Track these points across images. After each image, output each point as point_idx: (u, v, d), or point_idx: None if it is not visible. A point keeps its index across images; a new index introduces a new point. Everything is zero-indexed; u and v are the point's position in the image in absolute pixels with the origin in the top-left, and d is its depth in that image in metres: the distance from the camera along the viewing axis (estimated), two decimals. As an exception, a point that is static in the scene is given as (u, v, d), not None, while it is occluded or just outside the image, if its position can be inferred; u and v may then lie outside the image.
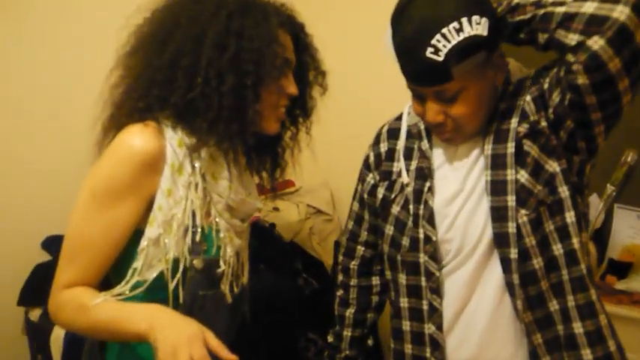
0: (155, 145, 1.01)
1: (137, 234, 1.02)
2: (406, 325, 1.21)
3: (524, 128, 1.08)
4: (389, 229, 1.22)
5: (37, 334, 1.93)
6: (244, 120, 1.04)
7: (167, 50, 1.03)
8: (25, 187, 2.07)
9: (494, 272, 1.10)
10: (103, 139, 1.09)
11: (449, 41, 1.00)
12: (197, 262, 1.04)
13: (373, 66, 2.26)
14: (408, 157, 1.22)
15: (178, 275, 1.02)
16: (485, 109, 1.10)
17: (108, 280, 1.05)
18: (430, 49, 1.01)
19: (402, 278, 1.20)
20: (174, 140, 1.03)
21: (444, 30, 1.00)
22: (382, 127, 1.32)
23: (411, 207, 1.18)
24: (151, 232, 1.01)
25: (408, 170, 1.20)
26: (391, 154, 1.26)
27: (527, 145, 1.08)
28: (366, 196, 1.31)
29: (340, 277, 1.40)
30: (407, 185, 1.19)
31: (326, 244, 2.29)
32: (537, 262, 1.07)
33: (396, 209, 1.21)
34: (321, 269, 2.21)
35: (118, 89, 1.09)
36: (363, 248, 1.36)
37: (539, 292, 1.08)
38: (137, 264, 1.02)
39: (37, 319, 1.93)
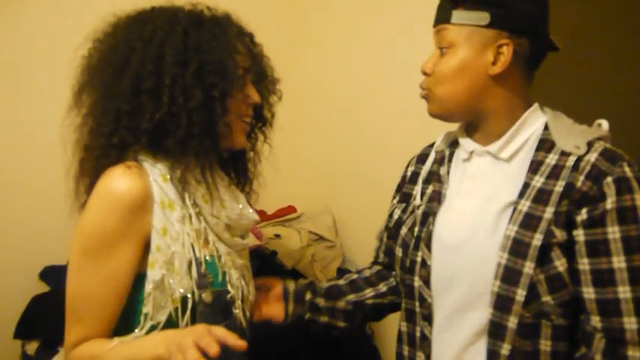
0: (140, 185, 0.98)
1: (137, 278, 0.99)
2: (405, 351, 1.19)
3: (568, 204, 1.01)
4: (398, 251, 1.21)
5: (34, 368, 1.89)
6: (216, 134, 1.02)
7: (126, 77, 1.00)
8: (23, 217, 2.04)
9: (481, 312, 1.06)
10: (79, 184, 1.06)
11: None
12: (206, 296, 1.01)
13: (376, 95, 2.28)
14: (427, 181, 1.20)
15: (187, 313, 1.00)
16: (465, 90, 1.07)
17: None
18: None
19: (403, 301, 1.19)
20: (158, 176, 1.01)
21: None
22: (416, 153, 1.32)
23: (416, 229, 1.16)
24: (153, 274, 0.98)
25: (423, 194, 1.19)
26: (415, 178, 1.25)
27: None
28: (387, 217, 1.30)
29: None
30: (418, 207, 1.18)
31: (328, 271, 2.26)
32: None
33: (404, 230, 1.20)
34: (324, 297, 2.17)
35: (84, 129, 1.06)
36: (383, 271, 1.35)
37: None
38: (147, 309, 0.99)
39: (34, 353, 1.88)
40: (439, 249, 1.12)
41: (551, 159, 1.04)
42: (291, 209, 2.49)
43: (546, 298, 1.00)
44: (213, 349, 0.86)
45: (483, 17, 1.03)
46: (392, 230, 1.25)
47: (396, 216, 1.25)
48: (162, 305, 0.99)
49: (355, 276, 1.34)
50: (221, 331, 0.90)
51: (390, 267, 1.32)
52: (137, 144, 1.01)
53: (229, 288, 1.05)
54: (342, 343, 2.08)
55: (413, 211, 1.20)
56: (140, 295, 1.00)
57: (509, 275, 1.01)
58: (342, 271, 2.26)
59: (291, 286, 1.25)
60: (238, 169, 1.20)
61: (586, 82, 2.27)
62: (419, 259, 1.14)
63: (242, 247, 1.13)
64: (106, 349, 0.96)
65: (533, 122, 1.09)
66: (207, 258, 1.03)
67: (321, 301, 1.26)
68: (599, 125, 1.07)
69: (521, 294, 1.00)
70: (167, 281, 0.99)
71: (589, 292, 0.98)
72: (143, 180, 0.98)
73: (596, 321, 0.98)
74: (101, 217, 0.96)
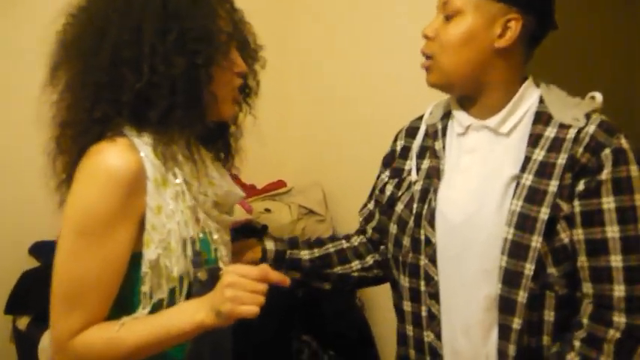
0: (133, 160, 0.94)
1: (132, 256, 0.97)
2: (410, 331, 1.17)
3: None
4: (392, 228, 1.19)
5: (25, 343, 1.89)
6: (201, 103, 0.98)
7: (105, 49, 0.96)
8: (11, 192, 2.02)
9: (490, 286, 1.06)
10: (56, 162, 1.02)
11: None
12: (201, 274, 1.00)
13: (365, 68, 2.26)
14: (421, 156, 1.19)
15: (184, 291, 0.99)
16: (470, 60, 1.06)
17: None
18: None
19: (405, 280, 1.16)
20: (149, 151, 0.97)
21: None
22: (404, 126, 1.30)
23: (414, 206, 1.14)
24: (149, 254, 0.96)
25: (418, 169, 1.18)
26: (406, 152, 1.23)
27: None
28: (377, 192, 1.28)
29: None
30: (414, 184, 1.16)
31: (319, 245, 2.26)
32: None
33: (400, 207, 1.18)
34: (315, 270, 2.18)
35: (61, 104, 1.01)
36: (368, 245, 1.32)
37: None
38: (145, 288, 0.97)
39: (25, 328, 1.88)
40: (443, 226, 1.10)
41: (550, 132, 1.05)
42: (280, 184, 2.48)
43: (551, 270, 1.01)
44: (262, 295, 0.91)
45: None
46: (385, 206, 1.23)
47: (388, 192, 1.23)
48: (160, 283, 0.98)
49: (344, 245, 1.32)
50: (258, 271, 0.92)
51: (378, 243, 1.31)
52: (119, 117, 0.96)
53: (221, 264, 1.04)
54: (331, 316, 2.10)
55: (409, 187, 1.18)
56: (136, 274, 0.97)
57: (516, 250, 1.02)
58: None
59: (270, 257, 1.22)
60: (220, 145, 1.15)
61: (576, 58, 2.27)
62: (422, 237, 1.12)
63: (228, 222, 1.12)
64: (119, 326, 0.94)
65: (530, 96, 1.09)
66: (201, 235, 1.02)
67: (304, 271, 1.25)
68: (593, 98, 1.08)
69: (529, 268, 1.01)
70: (163, 261, 0.97)
71: (582, 261, 1.01)
72: (135, 155, 0.95)
73: (588, 287, 1.01)
74: (98, 196, 0.93)
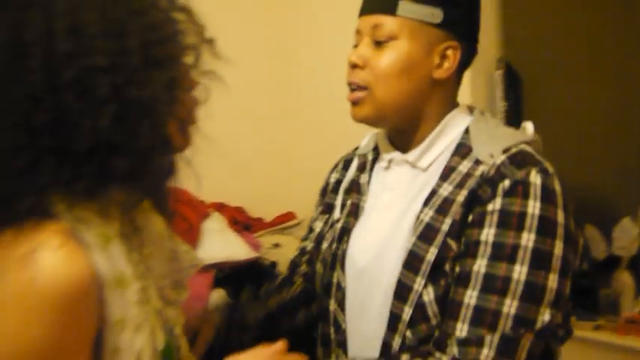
0: (78, 267, 0.62)
1: None
2: None
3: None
4: (319, 268, 1.10)
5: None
6: (170, 144, 0.70)
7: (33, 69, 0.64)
8: None
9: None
10: None
11: None
12: None
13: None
14: (349, 190, 1.12)
15: None
16: (410, 92, 0.98)
17: None
18: None
19: (319, 325, 1.10)
20: (97, 239, 0.67)
21: None
22: (343, 156, 1.23)
23: (334, 246, 1.07)
24: None
25: (344, 205, 1.10)
26: (337, 186, 1.16)
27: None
28: (307, 228, 1.24)
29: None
30: (337, 222, 1.09)
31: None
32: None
33: (324, 246, 1.10)
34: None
35: None
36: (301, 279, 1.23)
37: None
38: None
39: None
40: (351, 270, 1.04)
41: (464, 166, 0.96)
42: (290, 216, 2.40)
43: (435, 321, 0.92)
44: None
45: (436, 14, 0.95)
46: (314, 244, 1.15)
47: (317, 229, 1.16)
48: None
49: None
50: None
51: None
52: (43, 179, 0.64)
53: None
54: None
55: (332, 226, 1.11)
56: None
57: (400, 291, 0.94)
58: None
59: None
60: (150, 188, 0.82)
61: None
62: (335, 281, 1.06)
63: (183, 300, 0.85)
64: None
65: (456, 126, 1.01)
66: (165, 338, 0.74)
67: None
68: (524, 128, 1.00)
69: (407, 312, 0.92)
70: None
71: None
72: (79, 255, 0.63)
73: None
74: (32, 330, 0.60)
